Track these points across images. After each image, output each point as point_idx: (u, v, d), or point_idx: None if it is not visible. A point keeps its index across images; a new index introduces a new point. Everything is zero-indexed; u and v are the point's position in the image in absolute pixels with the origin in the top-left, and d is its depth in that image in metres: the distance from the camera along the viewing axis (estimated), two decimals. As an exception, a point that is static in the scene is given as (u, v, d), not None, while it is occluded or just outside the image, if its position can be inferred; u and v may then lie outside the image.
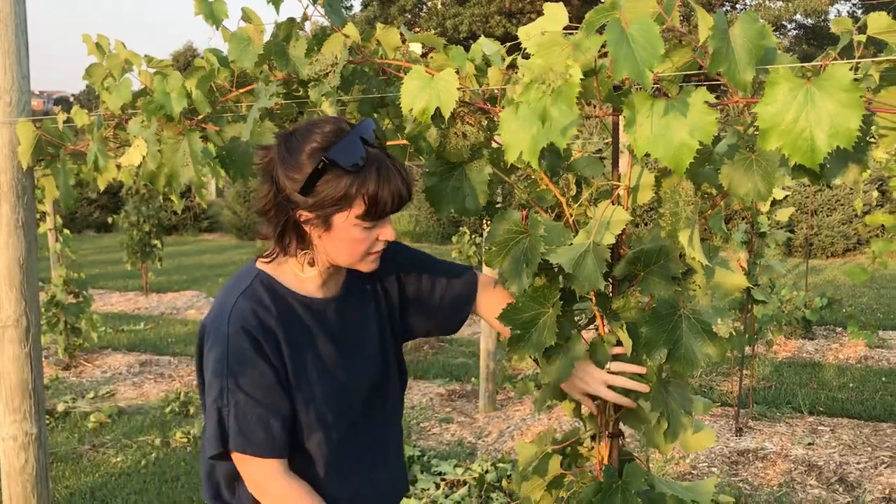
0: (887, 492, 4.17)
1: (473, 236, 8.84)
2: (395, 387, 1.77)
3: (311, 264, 1.58)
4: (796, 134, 1.10)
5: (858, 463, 4.55)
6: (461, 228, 9.03)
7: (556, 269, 1.63)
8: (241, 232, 20.63)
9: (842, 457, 4.64)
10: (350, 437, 1.65)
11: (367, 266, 1.59)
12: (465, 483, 4.25)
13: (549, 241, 1.52)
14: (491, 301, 1.78)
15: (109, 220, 10.80)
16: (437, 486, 4.25)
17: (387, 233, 1.56)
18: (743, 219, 5.04)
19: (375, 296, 1.73)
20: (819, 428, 5.18)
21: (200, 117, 1.88)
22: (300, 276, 1.61)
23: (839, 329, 8.07)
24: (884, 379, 6.31)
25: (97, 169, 2.21)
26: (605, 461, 1.66)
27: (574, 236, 1.54)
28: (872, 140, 1.34)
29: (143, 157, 1.85)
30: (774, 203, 4.83)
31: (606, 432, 1.67)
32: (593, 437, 1.75)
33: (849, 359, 7.04)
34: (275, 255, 1.59)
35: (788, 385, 6.15)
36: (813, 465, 4.53)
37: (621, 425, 1.69)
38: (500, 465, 4.42)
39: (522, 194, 1.63)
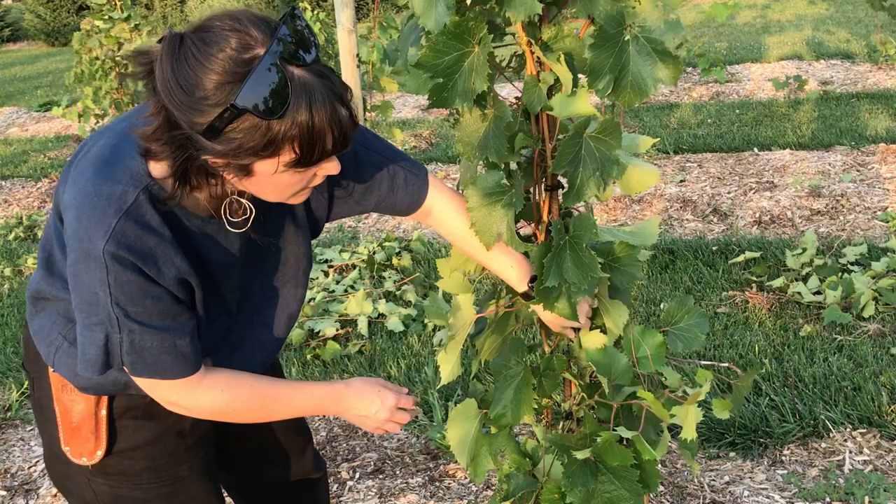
0: (757, 215, 4.36)
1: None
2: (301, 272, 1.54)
3: (229, 202, 1.28)
4: None
5: (729, 193, 4.72)
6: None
7: None
8: (51, 37, 18.54)
9: (713, 189, 4.79)
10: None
11: (297, 200, 1.29)
12: (354, 267, 4.11)
13: (469, -41, 1.23)
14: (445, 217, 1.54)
15: None
16: (326, 274, 4.09)
17: (329, 167, 1.22)
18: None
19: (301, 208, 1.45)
20: (687, 165, 5.31)
21: None
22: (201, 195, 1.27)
23: (689, 69, 8.20)
24: (737, 111, 6.51)
25: None
26: (549, 217, 1.48)
27: (498, -49, 1.26)
28: None
29: None
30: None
31: (544, 185, 1.48)
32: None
33: (702, 97, 7.20)
34: (175, 191, 1.20)
35: (650, 128, 6.25)
36: (687, 200, 4.66)
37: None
38: (387, 244, 4.29)
39: None
